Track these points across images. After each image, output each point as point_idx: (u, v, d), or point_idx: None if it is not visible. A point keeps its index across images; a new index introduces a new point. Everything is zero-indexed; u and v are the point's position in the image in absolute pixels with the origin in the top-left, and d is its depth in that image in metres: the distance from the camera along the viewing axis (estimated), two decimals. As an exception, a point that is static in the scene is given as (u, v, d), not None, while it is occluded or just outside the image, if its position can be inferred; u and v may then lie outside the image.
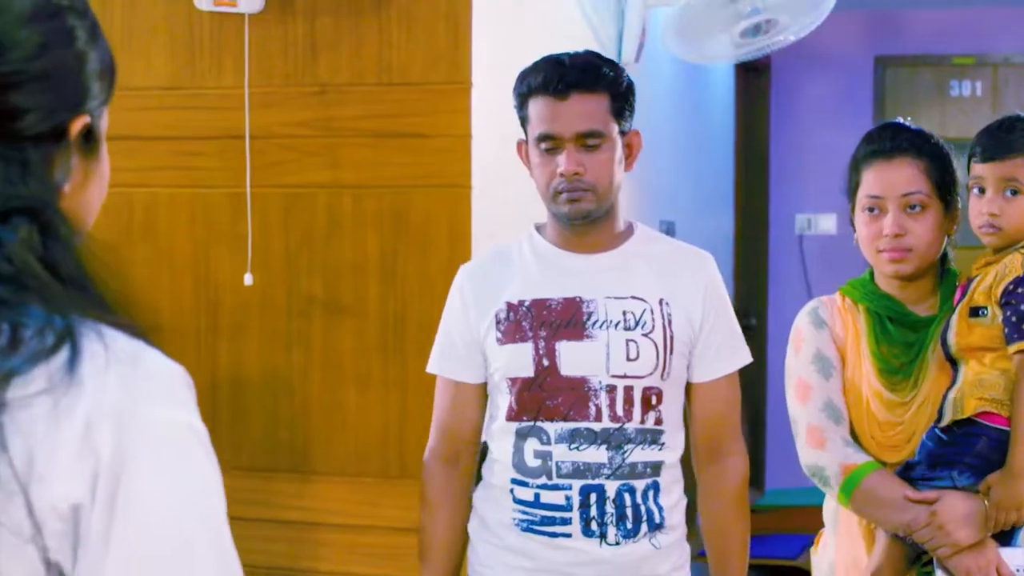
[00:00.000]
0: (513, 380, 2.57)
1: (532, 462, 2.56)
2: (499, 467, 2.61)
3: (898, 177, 2.52)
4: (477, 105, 3.26)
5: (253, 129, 3.38)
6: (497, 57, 3.37)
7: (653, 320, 2.57)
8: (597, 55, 2.62)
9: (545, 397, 2.55)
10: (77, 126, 1.17)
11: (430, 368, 2.71)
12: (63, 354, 1.06)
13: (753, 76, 7.10)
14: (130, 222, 3.46)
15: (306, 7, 3.37)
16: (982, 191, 2.49)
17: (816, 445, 2.54)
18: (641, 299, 2.58)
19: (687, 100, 5.86)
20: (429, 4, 3.30)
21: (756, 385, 6.87)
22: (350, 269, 3.36)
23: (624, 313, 2.56)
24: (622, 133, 2.59)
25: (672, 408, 2.59)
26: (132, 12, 3.46)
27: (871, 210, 2.54)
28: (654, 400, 2.56)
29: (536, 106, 2.56)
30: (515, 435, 2.58)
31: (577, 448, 2.53)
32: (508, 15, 3.55)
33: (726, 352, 2.64)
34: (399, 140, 3.32)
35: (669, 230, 5.15)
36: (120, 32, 3.43)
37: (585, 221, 2.58)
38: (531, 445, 2.56)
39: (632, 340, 2.55)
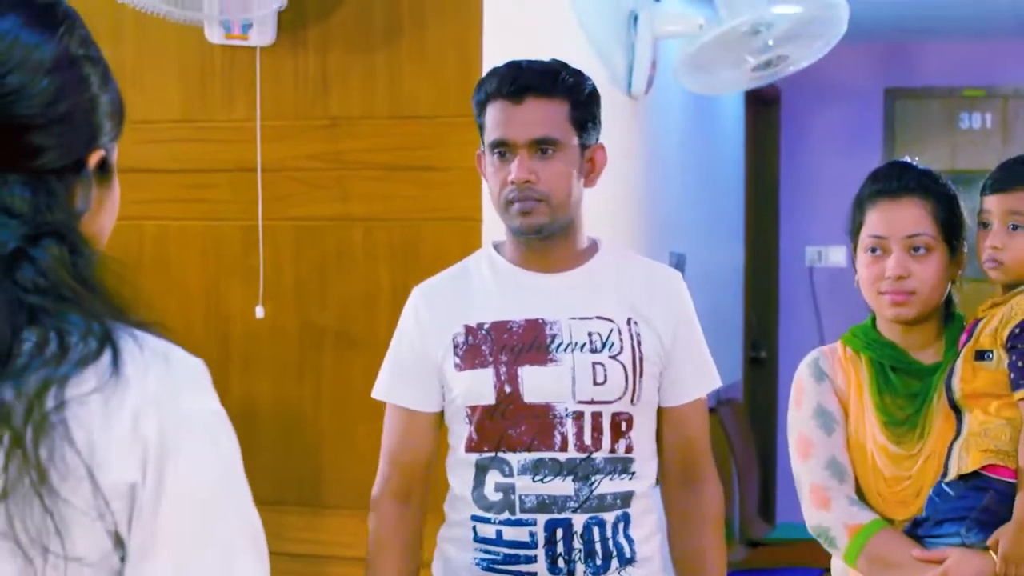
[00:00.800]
0: (473, 408, 2.42)
1: (493, 496, 2.41)
2: (459, 503, 2.47)
3: (903, 218, 2.43)
4: (487, 138, 3.27)
5: (264, 162, 3.39)
6: (507, 90, 3.37)
7: (621, 341, 2.43)
8: (560, 62, 2.50)
9: (507, 426, 2.40)
10: (94, 159, 1.29)
11: (377, 394, 2.55)
12: (106, 356, 1.20)
13: (763, 108, 7.11)
14: (140, 254, 3.46)
15: (317, 41, 3.38)
16: (988, 225, 2.43)
17: (820, 505, 2.46)
18: (608, 319, 2.44)
19: (697, 132, 5.86)
20: (440, 38, 3.31)
21: (767, 417, 6.83)
22: (361, 301, 3.36)
23: (590, 334, 2.42)
24: (584, 146, 2.45)
25: (644, 434, 2.46)
26: (144, 45, 3.48)
27: (873, 250, 2.45)
28: (624, 426, 2.42)
29: (492, 111, 2.43)
30: (475, 467, 2.43)
31: (542, 480, 2.38)
32: (519, 48, 3.54)
33: (699, 374, 2.53)
34: (409, 173, 3.33)
35: (679, 262, 5.14)
36: (132, 65, 3.45)
37: (540, 236, 2.43)
38: (492, 478, 2.41)
39: (599, 363, 2.41)
